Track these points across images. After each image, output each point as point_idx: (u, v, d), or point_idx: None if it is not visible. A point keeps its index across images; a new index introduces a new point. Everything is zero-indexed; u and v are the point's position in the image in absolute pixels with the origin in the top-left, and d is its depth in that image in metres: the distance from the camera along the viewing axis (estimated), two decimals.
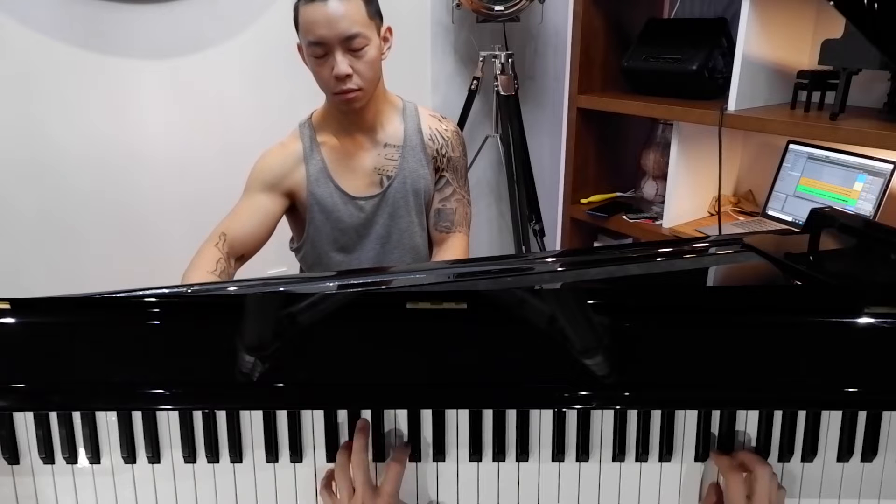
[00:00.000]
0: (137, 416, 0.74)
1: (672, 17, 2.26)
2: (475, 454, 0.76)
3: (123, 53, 1.93)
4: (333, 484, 0.75)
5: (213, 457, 0.75)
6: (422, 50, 2.41)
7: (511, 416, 0.76)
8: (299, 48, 1.36)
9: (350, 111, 1.37)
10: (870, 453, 0.77)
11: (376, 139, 1.43)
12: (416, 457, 0.76)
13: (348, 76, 1.29)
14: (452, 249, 1.50)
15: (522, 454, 0.76)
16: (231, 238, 1.34)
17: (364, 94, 1.33)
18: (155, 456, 0.75)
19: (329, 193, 1.41)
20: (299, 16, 1.30)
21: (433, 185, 1.49)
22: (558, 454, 0.76)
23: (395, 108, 1.46)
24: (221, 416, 0.75)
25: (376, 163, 1.43)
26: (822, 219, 1.10)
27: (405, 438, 0.76)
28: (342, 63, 1.28)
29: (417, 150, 1.45)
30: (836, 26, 1.70)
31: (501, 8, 2.18)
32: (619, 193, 2.38)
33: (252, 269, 1.31)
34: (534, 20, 2.48)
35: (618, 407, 0.75)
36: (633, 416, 0.76)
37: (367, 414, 0.76)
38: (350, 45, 1.28)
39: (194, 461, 0.76)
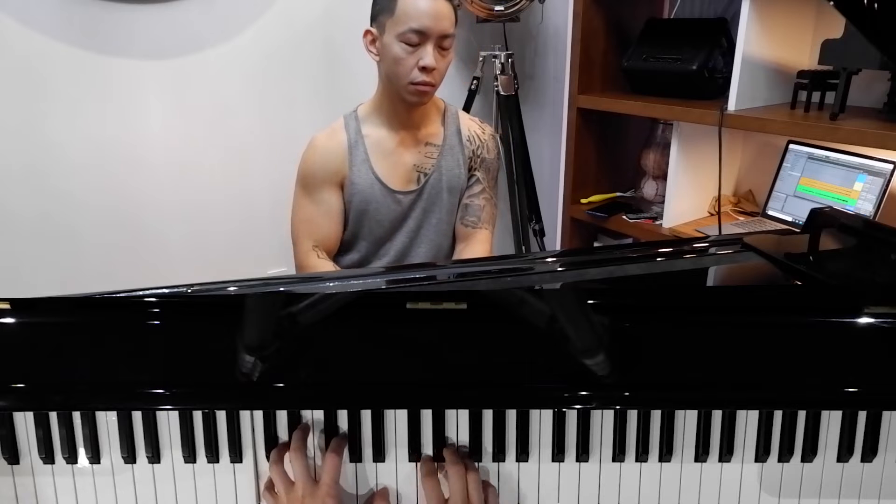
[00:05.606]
0: (137, 416, 0.74)
1: (672, 17, 2.26)
2: (475, 454, 0.76)
3: (123, 54, 1.93)
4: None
5: (213, 457, 0.75)
6: None
7: (511, 416, 0.76)
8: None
9: (415, 104, 1.42)
10: (870, 453, 0.77)
11: (418, 137, 1.49)
12: (416, 457, 0.76)
13: (433, 70, 1.35)
14: (478, 244, 1.55)
15: (522, 454, 0.76)
16: (322, 244, 1.48)
17: (433, 90, 1.41)
18: (155, 456, 0.75)
19: (370, 185, 1.46)
20: (399, 2, 1.33)
21: (466, 183, 1.54)
22: (558, 454, 0.76)
23: (438, 110, 1.53)
24: (221, 416, 0.75)
25: (416, 160, 1.49)
26: (822, 219, 1.10)
27: (406, 439, 0.76)
28: (432, 56, 1.34)
29: (456, 150, 1.51)
30: (836, 26, 1.70)
31: (501, 8, 2.18)
32: (619, 193, 2.38)
33: (252, 269, 1.31)
34: (534, 20, 2.47)
35: (618, 407, 0.75)
36: (633, 416, 0.76)
37: (366, 414, 0.76)
38: (442, 43, 1.36)
39: (194, 461, 0.76)
